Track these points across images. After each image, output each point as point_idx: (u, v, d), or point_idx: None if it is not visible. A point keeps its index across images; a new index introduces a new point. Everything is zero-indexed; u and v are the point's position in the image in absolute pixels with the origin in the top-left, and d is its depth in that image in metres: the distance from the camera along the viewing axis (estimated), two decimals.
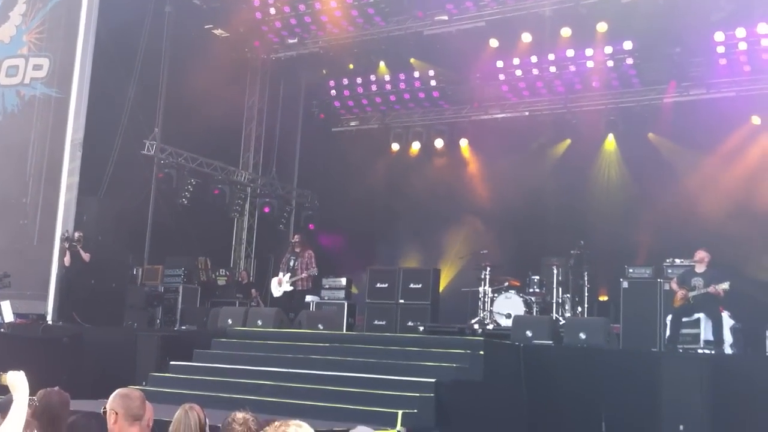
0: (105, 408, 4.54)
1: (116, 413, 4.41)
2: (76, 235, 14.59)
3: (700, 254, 11.60)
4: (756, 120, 15.54)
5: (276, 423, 3.63)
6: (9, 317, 13.68)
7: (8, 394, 4.60)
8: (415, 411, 8.90)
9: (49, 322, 14.44)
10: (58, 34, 16.43)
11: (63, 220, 15.16)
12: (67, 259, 14.54)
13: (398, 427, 8.40)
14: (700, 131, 15.65)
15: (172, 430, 5.12)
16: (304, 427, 3.61)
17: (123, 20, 15.80)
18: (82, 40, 15.70)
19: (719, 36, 15.24)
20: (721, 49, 15.42)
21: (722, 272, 11.44)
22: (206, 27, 18.35)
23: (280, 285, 14.74)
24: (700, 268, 11.49)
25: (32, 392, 4.66)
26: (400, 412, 8.66)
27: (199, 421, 5.11)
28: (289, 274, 14.62)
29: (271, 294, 15.34)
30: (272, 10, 18.01)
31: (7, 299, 13.87)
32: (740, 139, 15.56)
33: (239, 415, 4.16)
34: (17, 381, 4.46)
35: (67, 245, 14.52)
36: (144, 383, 10.78)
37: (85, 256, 14.45)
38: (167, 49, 17.03)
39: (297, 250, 14.81)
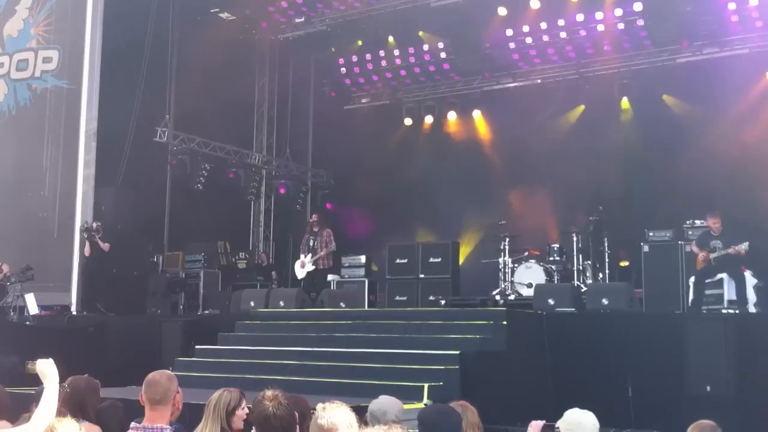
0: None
1: (145, 399, 4.47)
2: (95, 225, 14.68)
3: (711, 221, 11.52)
4: None
5: (321, 404, 3.74)
6: (34, 309, 13.85)
7: (39, 384, 4.66)
8: (441, 383, 8.93)
9: (74, 313, 14.60)
10: (65, 25, 16.47)
11: (81, 212, 15.29)
12: (87, 250, 14.65)
13: (425, 400, 8.43)
14: (715, 90, 15.46)
15: (207, 404, 5.22)
16: (343, 407, 3.71)
17: (129, 8, 15.80)
18: (90, 30, 15.75)
19: None
20: (732, 6, 15.19)
21: (740, 231, 11.36)
22: (212, 11, 18.26)
23: (302, 267, 14.78)
24: (716, 231, 11.42)
25: (61, 381, 4.71)
26: (426, 385, 8.70)
27: (228, 403, 5.19)
28: (310, 255, 14.66)
29: (293, 275, 15.38)
30: None
31: (31, 292, 14.04)
32: (755, 96, 15.37)
33: (269, 392, 4.25)
34: (47, 368, 4.51)
35: (86, 236, 14.62)
36: (170, 368, 10.85)
37: (105, 246, 14.54)
38: (175, 35, 17.02)
39: (315, 229, 14.84)
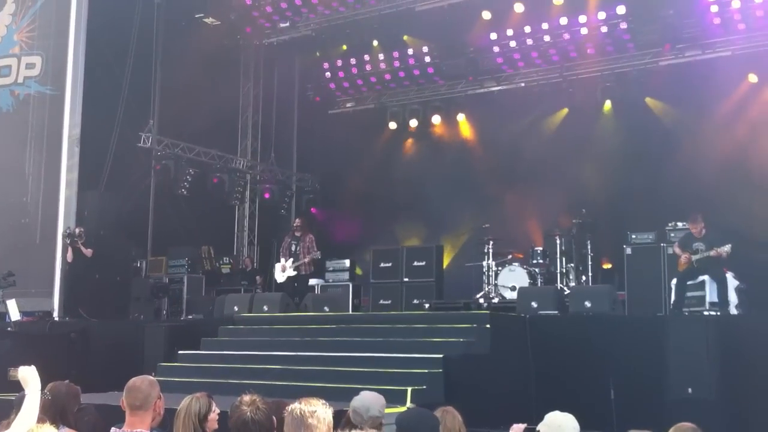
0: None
1: (125, 404, 4.46)
2: (78, 230, 14.58)
3: (692, 226, 11.57)
4: (753, 78, 15.45)
5: (300, 400, 3.75)
6: (16, 316, 13.74)
7: (20, 390, 4.65)
8: (425, 387, 8.95)
9: (56, 319, 14.50)
10: (49, 31, 16.37)
11: (64, 217, 15.18)
12: (69, 256, 14.55)
13: (408, 404, 8.43)
14: (697, 92, 15.58)
15: (176, 415, 5.19)
16: (310, 405, 3.71)
17: (113, 14, 15.75)
18: (74, 36, 15.67)
19: None
20: (714, 9, 15.28)
21: (722, 234, 11.44)
22: (197, 16, 18.26)
23: (283, 271, 14.76)
24: (698, 234, 11.49)
25: (43, 388, 4.70)
26: (409, 389, 8.71)
27: (199, 410, 5.16)
28: (291, 259, 14.64)
29: (275, 280, 15.37)
30: None
31: (12, 298, 13.93)
32: (738, 98, 15.46)
33: (246, 397, 4.22)
34: (29, 375, 4.51)
35: (69, 241, 14.52)
36: (153, 374, 10.81)
37: (87, 252, 14.45)
38: (159, 40, 16.98)
39: (297, 234, 14.84)
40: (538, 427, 4.73)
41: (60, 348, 12.52)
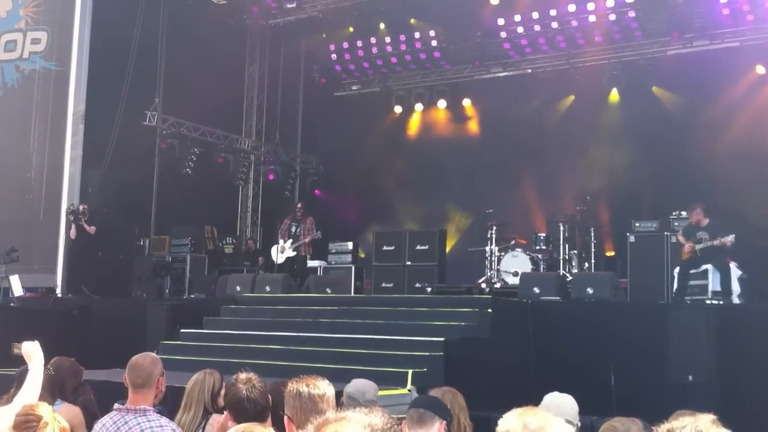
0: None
1: (128, 382, 4.46)
2: (81, 208, 14.59)
3: (693, 216, 11.58)
4: (760, 69, 15.39)
5: (296, 378, 3.71)
6: (18, 291, 13.80)
7: (24, 364, 4.66)
8: (425, 370, 8.97)
9: (59, 295, 14.54)
10: (54, 6, 16.35)
11: (68, 194, 15.21)
12: (72, 232, 14.57)
13: (408, 386, 8.46)
14: (704, 83, 15.52)
15: (188, 389, 5.22)
16: (314, 384, 3.68)
17: None
18: (80, 11, 15.64)
19: None
20: None
21: (725, 223, 11.43)
22: None
23: (282, 252, 14.78)
24: (702, 222, 11.48)
25: (45, 363, 4.71)
26: (410, 372, 8.73)
27: (213, 386, 5.20)
28: (290, 240, 14.65)
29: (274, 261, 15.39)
30: None
31: (15, 273, 13.97)
32: (744, 89, 15.41)
33: (243, 375, 4.20)
34: (32, 350, 4.52)
35: (72, 218, 14.54)
36: (155, 351, 10.84)
37: (90, 230, 14.45)
38: (165, 18, 16.92)
39: (298, 216, 14.85)
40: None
41: (62, 324, 12.55)
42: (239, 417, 4.06)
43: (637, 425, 3.90)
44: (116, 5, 15.71)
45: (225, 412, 5.07)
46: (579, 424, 4.74)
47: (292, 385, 3.68)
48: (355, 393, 4.67)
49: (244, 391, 4.08)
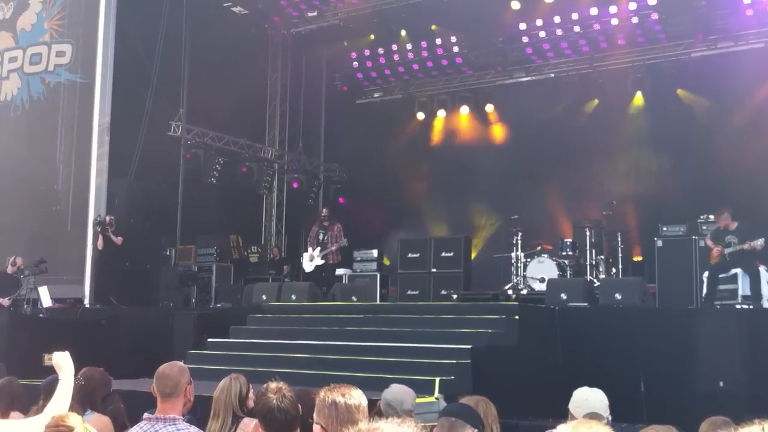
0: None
1: (156, 391, 4.46)
2: (108, 219, 14.69)
3: (720, 221, 11.47)
4: None
5: (328, 387, 3.68)
6: (47, 302, 13.91)
7: (51, 375, 4.68)
8: (452, 377, 8.91)
9: (87, 306, 14.65)
10: (78, 19, 16.51)
11: (94, 205, 15.33)
12: (100, 243, 14.66)
13: (436, 394, 8.41)
14: (730, 85, 15.35)
15: (215, 397, 5.23)
16: (349, 394, 3.65)
17: (142, 2, 15.85)
18: (103, 24, 15.78)
19: None
20: (747, 0, 15.09)
21: (754, 226, 11.30)
22: (225, 5, 18.28)
23: (311, 260, 14.75)
24: (731, 227, 11.35)
25: (75, 373, 4.73)
26: (437, 379, 8.68)
27: (240, 391, 5.21)
28: (319, 248, 14.63)
29: (303, 270, 15.39)
30: None
31: (44, 285, 14.10)
32: None
33: (273, 384, 4.19)
34: (63, 361, 4.53)
35: (99, 229, 14.63)
36: (183, 361, 10.88)
37: (117, 240, 14.54)
38: (188, 28, 17.05)
39: (326, 223, 14.81)
40: (569, 406, 4.75)
41: (90, 335, 12.62)
42: (270, 426, 4.08)
43: None
44: (140, 17, 15.86)
45: (255, 421, 5.08)
46: (610, 418, 4.73)
47: (327, 395, 3.63)
48: (394, 401, 4.64)
49: (274, 401, 4.08)
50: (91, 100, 15.80)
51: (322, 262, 14.59)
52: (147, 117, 16.14)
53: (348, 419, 3.50)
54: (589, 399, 4.69)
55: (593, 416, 4.76)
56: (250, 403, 5.20)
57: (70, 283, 15.20)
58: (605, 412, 4.81)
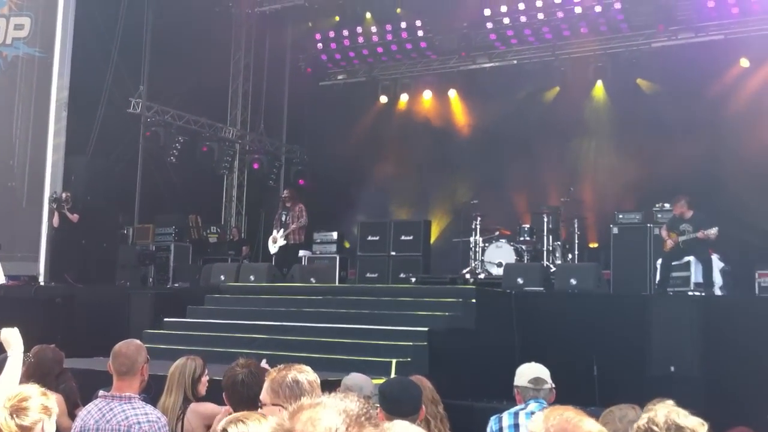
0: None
1: (112, 369, 4.46)
2: (64, 195, 14.50)
3: (676, 208, 11.65)
4: (744, 62, 15.45)
5: (280, 366, 3.66)
6: (1, 279, 13.70)
7: (2, 353, 4.64)
8: (409, 359, 8.97)
9: (42, 283, 14.47)
10: None
11: (51, 181, 15.13)
12: (55, 220, 14.49)
13: (392, 375, 8.47)
14: (689, 75, 15.59)
15: (170, 371, 5.24)
16: (306, 371, 3.64)
17: None
18: None
19: None
20: None
21: (709, 215, 11.51)
22: None
23: (275, 242, 14.72)
24: (686, 215, 11.54)
25: (27, 351, 4.69)
26: (394, 361, 8.73)
27: (194, 372, 5.22)
28: (282, 230, 14.60)
29: (264, 250, 15.33)
30: None
31: None
32: (729, 82, 15.49)
33: (243, 360, 4.35)
34: (11, 337, 4.50)
35: (55, 206, 14.45)
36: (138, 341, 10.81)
37: (73, 218, 14.36)
38: (150, 4, 16.82)
39: (288, 204, 14.77)
40: (514, 383, 5.13)
41: (45, 313, 12.50)
42: (232, 399, 4.20)
43: (636, 411, 3.95)
44: None
45: (208, 404, 5.11)
46: (553, 385, 5.09)
47: (284, 374, 3.55)
48: (354, 387, 4.69)
49: (240, 375, 4.20)
50: (49, 74, 15.56)
51: (285, 242, 14.55)
52: (106, 93, 15.92)
53: (300, 393, 3.47)
54: (530, 367, 5.06)
55: (538, 381, 4.98)
56: (202, 390, 5.21)
57: (24, 261, 15.00)
58: (548, 378, 5.01)
